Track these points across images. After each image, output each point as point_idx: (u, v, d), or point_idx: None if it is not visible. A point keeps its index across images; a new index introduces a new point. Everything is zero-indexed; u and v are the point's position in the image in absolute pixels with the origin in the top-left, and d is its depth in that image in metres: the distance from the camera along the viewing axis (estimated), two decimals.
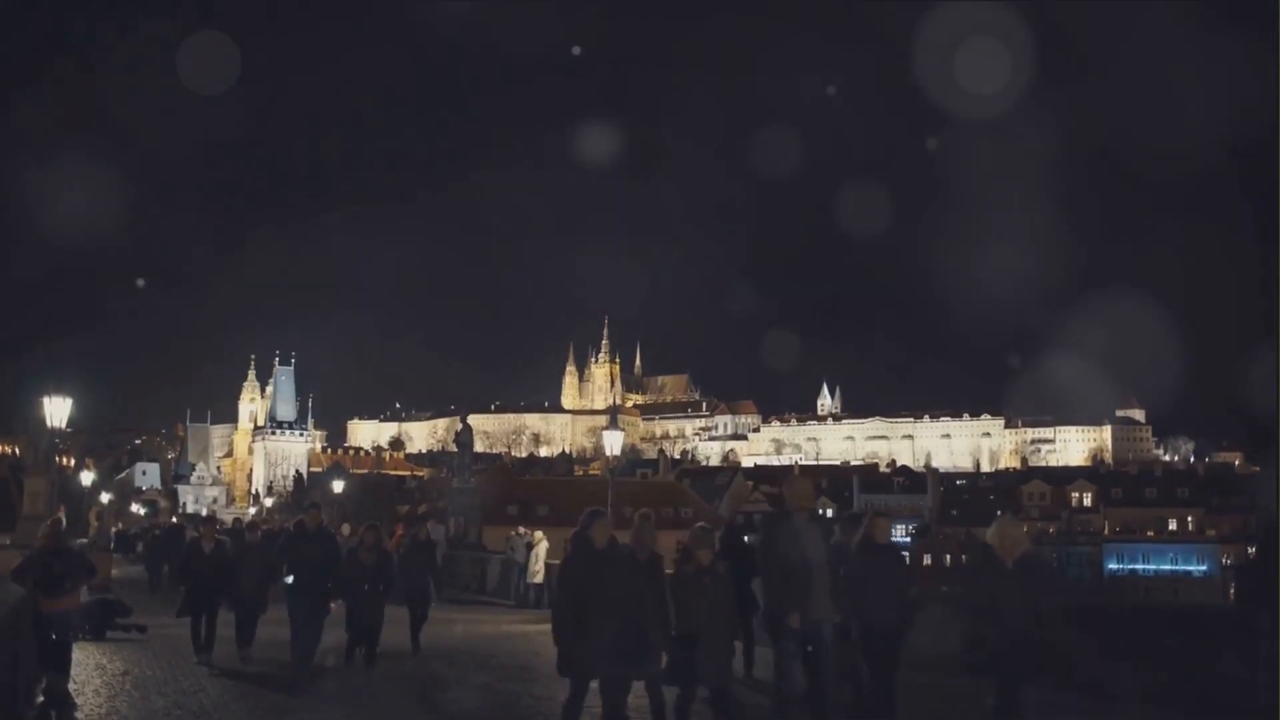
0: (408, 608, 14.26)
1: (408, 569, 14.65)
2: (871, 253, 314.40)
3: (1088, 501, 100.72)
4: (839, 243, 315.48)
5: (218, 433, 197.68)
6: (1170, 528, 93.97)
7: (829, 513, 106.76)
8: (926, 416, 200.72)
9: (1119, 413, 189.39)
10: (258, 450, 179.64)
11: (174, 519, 73.11)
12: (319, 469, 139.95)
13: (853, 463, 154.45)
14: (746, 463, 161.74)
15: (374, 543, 12.97)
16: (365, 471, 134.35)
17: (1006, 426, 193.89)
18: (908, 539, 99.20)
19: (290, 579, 11.86)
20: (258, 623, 13.34)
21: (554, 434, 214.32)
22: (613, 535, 8.01)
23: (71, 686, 10.17)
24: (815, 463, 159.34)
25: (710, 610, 8.15)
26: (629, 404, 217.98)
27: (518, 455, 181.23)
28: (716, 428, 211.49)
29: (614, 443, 29.80)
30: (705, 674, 8.12)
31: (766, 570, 8.51)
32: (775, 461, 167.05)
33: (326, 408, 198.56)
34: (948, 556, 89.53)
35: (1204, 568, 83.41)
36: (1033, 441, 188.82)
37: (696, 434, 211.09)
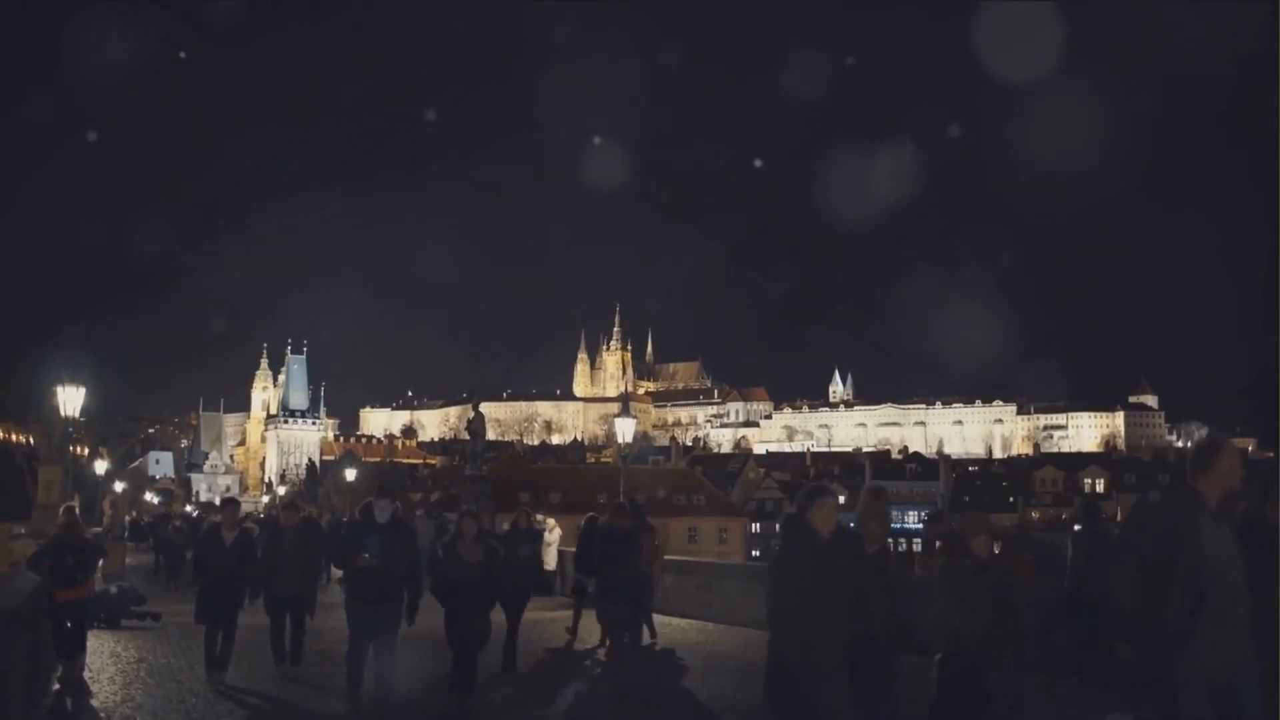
0: (505, 612, 11.53)
1: (509, 564, 11.65)
2: (881, 239, 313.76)
3: (1100, 488, 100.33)
4: (849, 228, 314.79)
5: (230, 421, 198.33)
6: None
7: (841, 500, 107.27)
8: (939, 403, 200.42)
9: (1131, 398, 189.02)
10: (270, 439, 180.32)
11: (189, 508, 73.19)
12: (331, 457, 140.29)
13: (865, 449, 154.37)
14: (758, 449, 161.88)
15: (476, 534, 10.03)
16: (378, 460, 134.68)
17: (1019, 412, 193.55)
18: (919, 525, 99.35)
19: (367, 554, 8.91)
20: (305, 631, 11.27)
21: (566, 421, 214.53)
22: (839, 521, 6.10)
23: (86, 674, 10.25)
24: (827, 450, 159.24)
25: (997, 622, 6.10)
26: (641, 391, 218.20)
27: (530, 443, 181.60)
28: (728, 415, 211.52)
29: (626, 430, 29.74)
30: (997, 713, 6.08)
31: (1126, 576, 5.21)
32: (787, 448, 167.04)
33: (339, 396, 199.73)
34: None
35: None
36: (1045, 427, 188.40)
37: (708, 421, 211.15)
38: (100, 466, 54.84)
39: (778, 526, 6.47)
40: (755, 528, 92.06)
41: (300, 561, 11.26)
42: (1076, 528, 11.13)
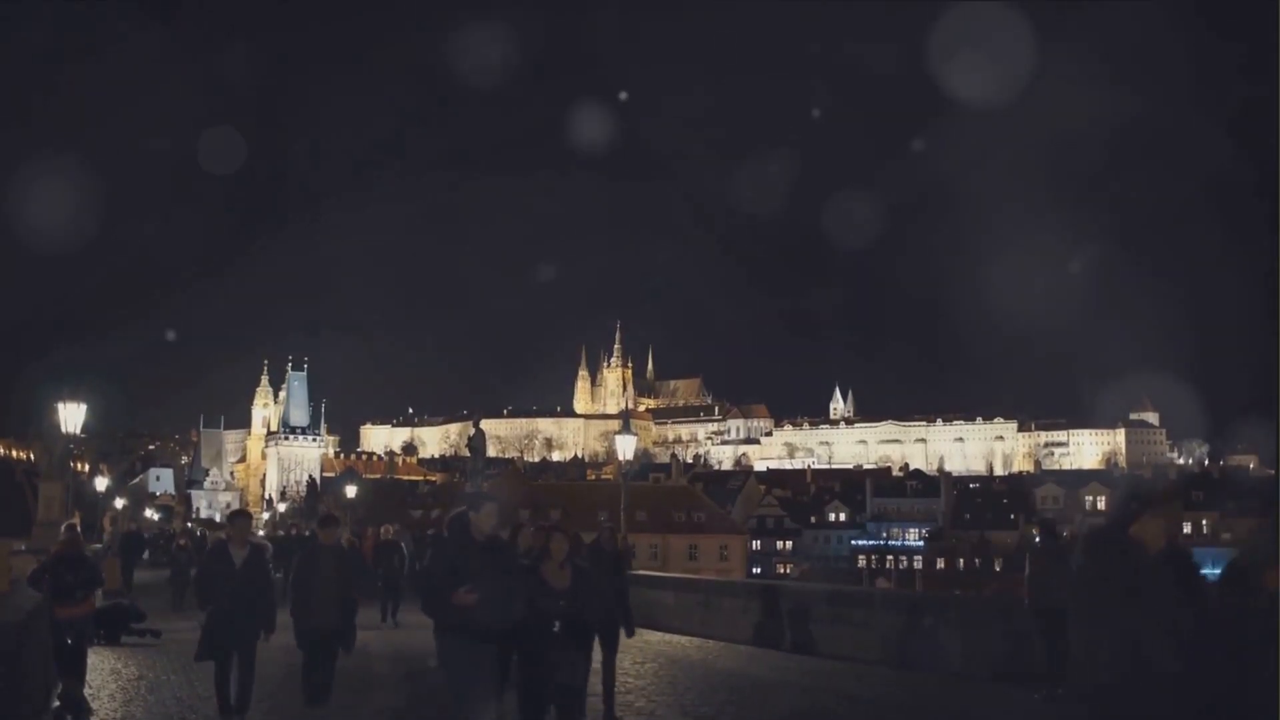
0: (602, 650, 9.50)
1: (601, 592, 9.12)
2: (881, 255, 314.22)
3: (1101, 505, 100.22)
4: (848, 244, 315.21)
5: (231, 438, 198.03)
6: (1184, 531, 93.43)
7: (842, 517, 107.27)
8: (939, 420, 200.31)
9: (1133, 415, 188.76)
10: (270, 456, 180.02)
11: (189, 524, 73.03)
12: (332, 474, 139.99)
13: (865, 466, 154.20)
14: (759, 466, 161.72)
15: (566, 557, 7.55)
16: (378, 476, 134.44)
17: (1020, 429, 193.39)
18: (921, 543, 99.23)
19: (476, 596, 6.58)
20: (334, 668, 9.63)
21: (566, 438, 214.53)
22: (1171, 536, 4.61)
23: (87, 691, 10.21)
24: (828, 467, 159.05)
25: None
26: (641, 408, 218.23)
27: (530, 460, 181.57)
28: (729, 431, 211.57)
29: (627, 447, 29.68)
30: None
31: None
32: (788, 465, 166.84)
33: (339, 413, 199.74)
34: (960, 560, 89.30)
35: (1219, 572, 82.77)
36: (1046, 444, 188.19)
37: (709, 438, 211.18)
38: (101, 483, 54.79)
39: (1080, 547, 4.88)
40: (755, 545, 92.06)
41: (338, 586, 9.51)
42: (1036, 542, 11.29)
